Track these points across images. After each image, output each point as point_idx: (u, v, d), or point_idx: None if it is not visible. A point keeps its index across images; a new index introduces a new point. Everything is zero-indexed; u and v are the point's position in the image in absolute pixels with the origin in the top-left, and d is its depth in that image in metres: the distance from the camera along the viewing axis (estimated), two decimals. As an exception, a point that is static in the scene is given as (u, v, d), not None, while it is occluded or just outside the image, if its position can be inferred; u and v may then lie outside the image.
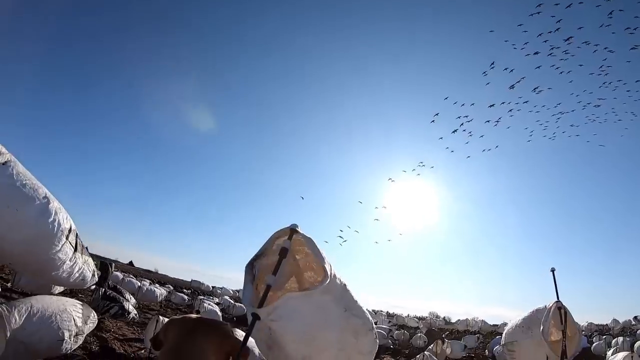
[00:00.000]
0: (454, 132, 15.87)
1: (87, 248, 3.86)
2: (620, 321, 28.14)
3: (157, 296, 11.12)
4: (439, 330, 21.92)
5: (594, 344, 18.39)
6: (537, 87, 16.11)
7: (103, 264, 13.22)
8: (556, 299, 3.23)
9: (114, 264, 13.98)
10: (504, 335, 3.72)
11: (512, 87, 15.60)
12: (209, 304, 10.30)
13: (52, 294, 7.50)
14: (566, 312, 3.16)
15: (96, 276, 4.10)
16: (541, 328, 3.14)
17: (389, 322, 24.30)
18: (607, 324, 29.37)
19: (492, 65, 15.98)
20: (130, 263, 59.25)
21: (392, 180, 16.41)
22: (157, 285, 22.06)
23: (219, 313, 10.26)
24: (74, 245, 3.38)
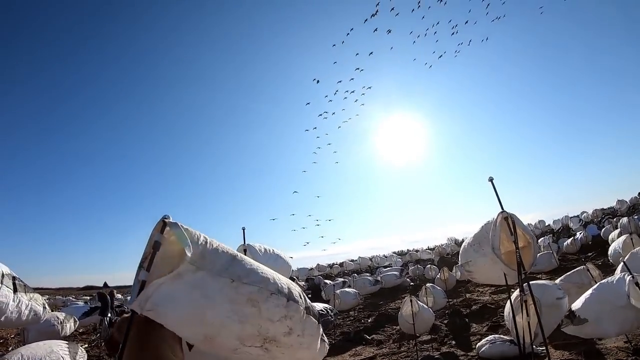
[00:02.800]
0: None
1: (27, 286, 4.16)
2: (627, 200, 28.24)
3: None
4: (451, 255, 21.96)
5: (603, 229, 18.33)
6: None
7: (100, 295, 13.17)
8: (501, 209, 2.91)
9: (114, 291, 14.10)
10: (460, 256, 3.44)
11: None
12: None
13: (62, 338, 7.82)
14: (514, 220, 2.86)
15: (47, 308, 4.56)
16: (490, 243, 2.85)
17: (401, 261, 24.49)
18: (612, 206, 29.48)
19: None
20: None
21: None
22: None
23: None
24: (12, 288, 3.75)
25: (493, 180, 2.98)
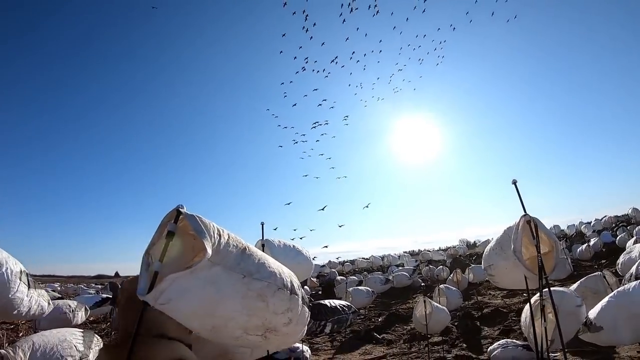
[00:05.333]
0: None
1: (36, 282, 4.47)
2: (640, 209, 27.73)
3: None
4: (463, 257, 21.92)
5: (618, 237, 18.20)
6: None
7: (112, 285, 13.45)
8: (523, 213, 2.91)
9: (125, 281, 14.33)
10: (483, 259, 3.42)
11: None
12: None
13: (72, 327, 7.93)
14: (536, 224, 2.85)
15: (51, 304, 4.81)
16: (512, 247, 2.86)
17: (415, 260, 24.41)
18: (627, 214, 29.00)
19: None
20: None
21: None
22: None
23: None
24: (27, 284, 4.03)
25: (516, 183, 2.99)
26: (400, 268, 13.86)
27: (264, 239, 3.67)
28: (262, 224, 3.56)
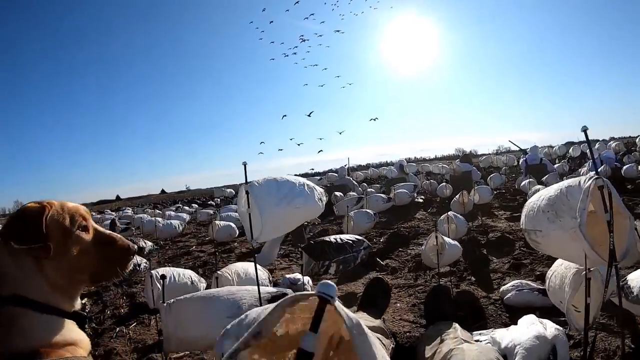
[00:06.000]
0: None
1: None
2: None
3: (175, 227, 10.91)
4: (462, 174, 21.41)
5: (625, 166, 14.60)
6: None
7: (111, 222, 13.40)
8: (594, 175, 2.12)
9: (117, 218, 14.56)
10: (522, 217, 2.67)
11: None
12: (221, 222, 9.34)
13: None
14: (610, 192, 2.07)
15: None
16: (577, 218, 2.14)
17: (415, 174, 23.89)
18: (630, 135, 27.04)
19: None
20: (162, 191, 62.43)
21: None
22: (185, 208, 22.73)
23: (234, 226, 9.51)
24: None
25: (587, 131, 2.20)
26: (402, 184, 13.41)
27: (248, 182, 2.87)
28: (245, 165, 2.79)
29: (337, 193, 13.62)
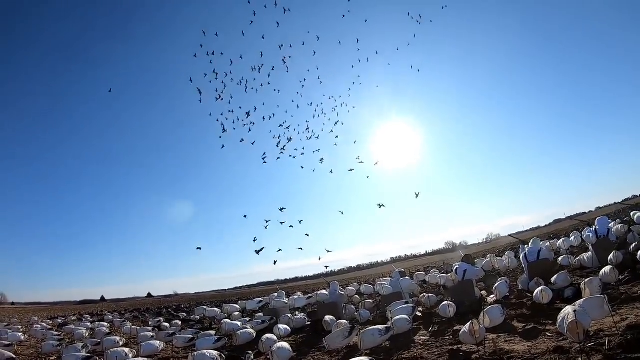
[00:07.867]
0: None
1: None
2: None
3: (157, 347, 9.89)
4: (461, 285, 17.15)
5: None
6: None
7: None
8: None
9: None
10: None
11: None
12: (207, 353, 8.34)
13: None
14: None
15: None
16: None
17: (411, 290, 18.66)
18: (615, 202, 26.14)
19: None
20: (149, 294, 59.37)
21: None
22: (165, 324, 18.96)
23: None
24: None
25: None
26: (399, 303, 12.09)
27: None
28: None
29: (328, 318, 12.00)
